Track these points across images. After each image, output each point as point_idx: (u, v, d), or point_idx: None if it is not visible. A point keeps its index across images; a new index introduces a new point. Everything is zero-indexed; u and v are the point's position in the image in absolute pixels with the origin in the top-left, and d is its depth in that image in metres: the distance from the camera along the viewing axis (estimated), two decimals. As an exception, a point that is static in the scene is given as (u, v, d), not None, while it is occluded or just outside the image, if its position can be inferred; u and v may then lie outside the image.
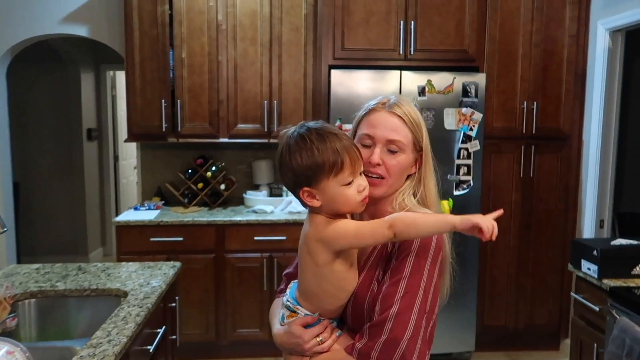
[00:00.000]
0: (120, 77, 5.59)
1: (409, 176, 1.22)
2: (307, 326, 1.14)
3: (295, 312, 1.17)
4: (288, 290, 1.22)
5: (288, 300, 1.18)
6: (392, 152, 1.17)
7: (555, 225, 3.46)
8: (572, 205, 3.47)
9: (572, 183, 3.46)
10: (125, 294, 1.84)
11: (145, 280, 1.96)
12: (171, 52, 3.39)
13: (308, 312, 1.15)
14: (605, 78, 3.22)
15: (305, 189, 1.08)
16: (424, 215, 1.12)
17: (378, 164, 1.15)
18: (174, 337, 2.14)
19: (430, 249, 1.10)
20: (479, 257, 3.33)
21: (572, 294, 2.33)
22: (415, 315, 1.05)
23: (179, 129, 3.44)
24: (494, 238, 1.02)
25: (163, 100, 3.37)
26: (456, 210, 3.17)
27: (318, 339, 1.13)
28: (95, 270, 2.10)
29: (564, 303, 3.45)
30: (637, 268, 2.08)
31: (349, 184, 1.08)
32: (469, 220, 1.03)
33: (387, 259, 1.13)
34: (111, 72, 5.62)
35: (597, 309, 2.12)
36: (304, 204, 1.11)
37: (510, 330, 3.49)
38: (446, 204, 3.15)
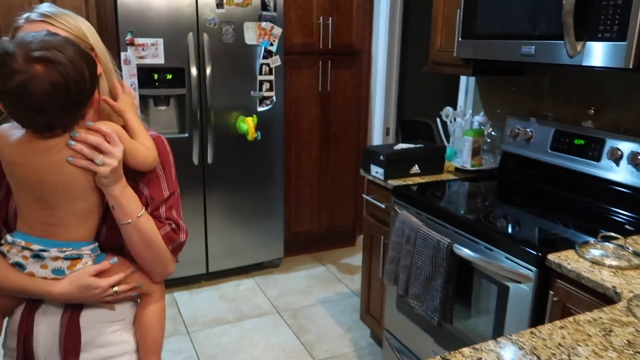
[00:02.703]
0: None
1: None
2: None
3: (79, 257, 1.10)
4: (32, 243, 1.07)
5: (64, 251, 1.08)
6: None
7: (350, 135, 3.77)
8: (363, 116, 3.80)
9: (363, 96, 3.76)
10: None
11: None
12: None
13: (92, 250, 1.12)
14: (389, -4, 3.46)
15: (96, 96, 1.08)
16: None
17: None
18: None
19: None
20: (284, 170, 3.48)
21: (364, 195, 2.60)
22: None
23: None
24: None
25: None
26: (261, 126, 3.22)
27: (115, 290, 1.15)
28: None
29: (359, 204, 3.87)
30: (414, 168, 2.40)
31: None
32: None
33: None
34: None
35: (383, 206, 2.41)
36: (74, 122, 1.04)
37: (314, 233, 3.81)
38: (250, 121, 3.16)
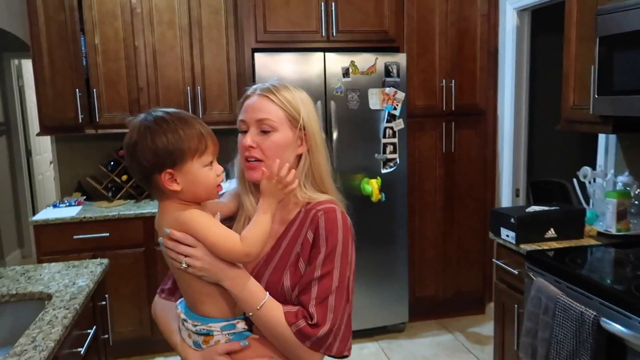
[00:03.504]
0: (27, 65, 5.19)
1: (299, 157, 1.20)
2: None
3: (209, 334, 1.10)
4: (182, 311, 1.14)
5: (196, 325, 1.11)
6: (265, 132, 1.15)
7: (476, 196, 3.66)
8: (490, 176, 3.68)
9: (489, 156, 3.66)
10: (50, 297, 1.74)
11: (70, 281, 1.87)
12: (82, 38, 3.19)
13: (222, 328, 1.10)
14: (514, 55, 3.41)
15: (168, 170, 1.05)
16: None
17: (251, 147, 1.14)
18: (106, 336, 2.06)
19: (349, 246, 1.15)
20: (408, 232, 3.45)
21: (493, 260, 2.49)
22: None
23: (97, 120, 3.27)
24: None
25: (77, 90, 3.18)
26: (385, 188, 3.27)
27: None
28: (13, 274, 1.97)
29: (487, 269, 3.67)
30: (549, 232, 2.25)
31: (210, 164, 1.09)
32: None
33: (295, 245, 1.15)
34: (16, 61, 5.21)
35: (516, 272, 2.27)
36: (157, 191, 1.09)
37: (440, 298, 3.67)
38: (375, 182, 3.23)
